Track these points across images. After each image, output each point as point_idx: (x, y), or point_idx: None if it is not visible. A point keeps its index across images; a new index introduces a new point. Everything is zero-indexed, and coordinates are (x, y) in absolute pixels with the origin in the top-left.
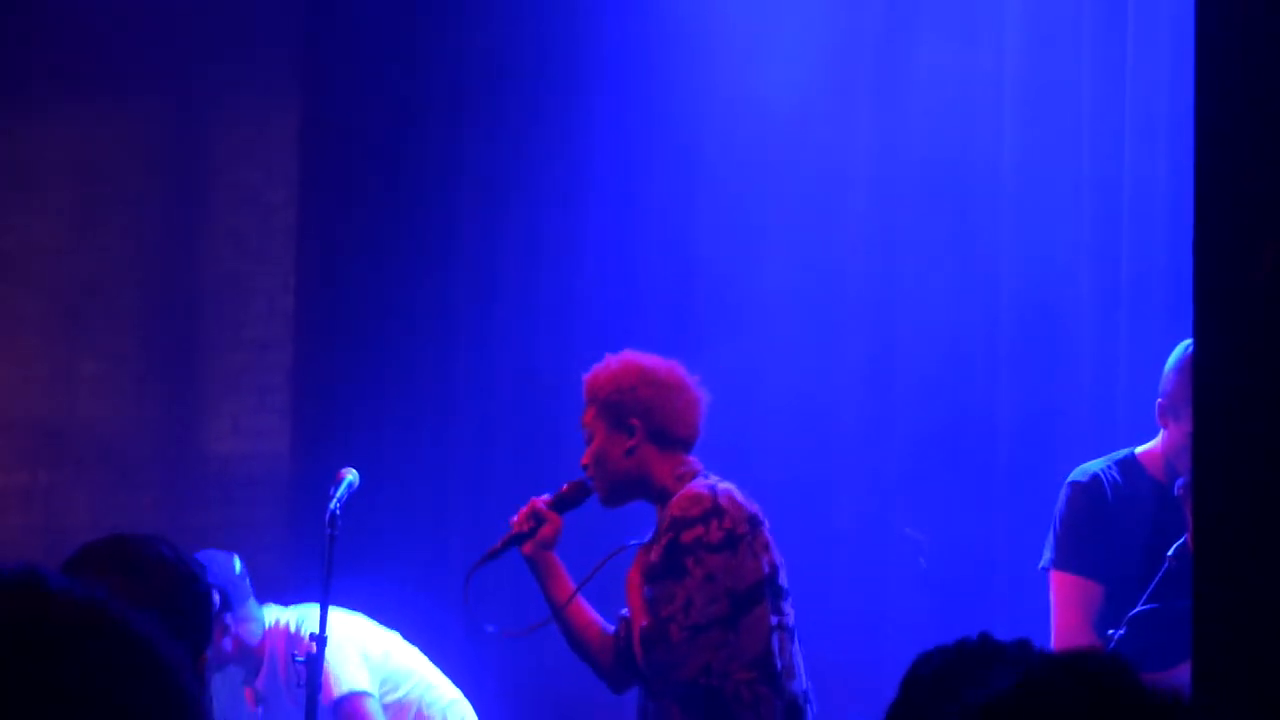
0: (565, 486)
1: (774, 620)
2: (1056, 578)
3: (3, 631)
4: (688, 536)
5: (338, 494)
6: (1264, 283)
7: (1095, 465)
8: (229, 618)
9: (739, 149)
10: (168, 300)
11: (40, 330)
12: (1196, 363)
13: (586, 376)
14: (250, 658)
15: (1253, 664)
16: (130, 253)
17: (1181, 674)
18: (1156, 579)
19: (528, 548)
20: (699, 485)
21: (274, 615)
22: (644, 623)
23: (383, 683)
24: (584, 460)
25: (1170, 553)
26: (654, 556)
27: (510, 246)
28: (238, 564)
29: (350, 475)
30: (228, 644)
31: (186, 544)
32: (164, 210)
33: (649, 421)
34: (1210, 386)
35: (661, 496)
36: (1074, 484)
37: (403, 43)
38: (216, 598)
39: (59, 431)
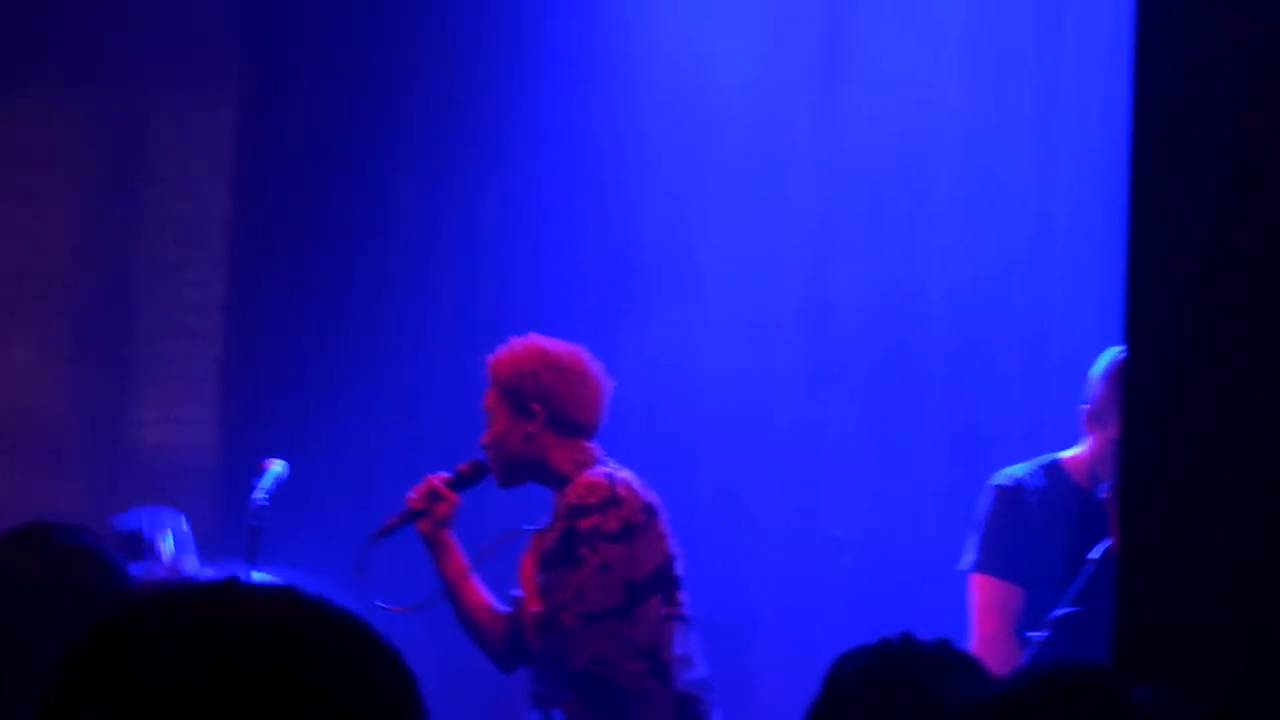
0: (464, 466)
1: (664, 611)
2: (977, 581)
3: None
4: (584, 525)
5: (262, 485)
6: (1194, 289)
7: (1019, 470)
8: (175, 562)
9: (681, 132)
10: (100, 289)
11: None
12: (1126, 368)
13: (490, 358)
14: None
15: (1172, 668)
16: (63, 241)
17: None
18: (1080, 582)
19: (424, 525)
20: (597, 473)
21: None
22: (537, 609)
23: None
24: (484, 441)
25: (1093, 555)
26: (549, 543)
27: (446, 240)
28: (184, 523)
29: (277, 466)
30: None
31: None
32: (97, 198)
33: (549, 407)
34: (1138, 392)
35: (559, 482)
36: (998, 488)
37: (341, 32)
38: (166, 543)
39: None
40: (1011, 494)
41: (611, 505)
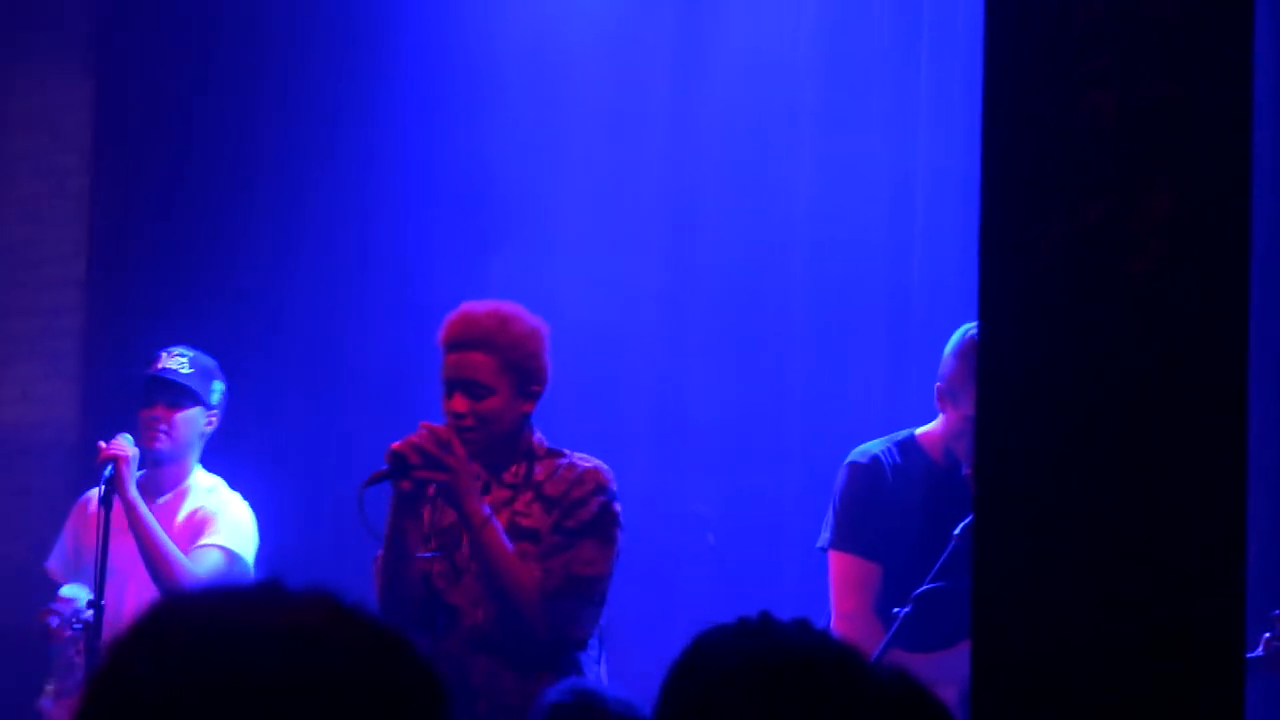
0: (395, 461)
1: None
2: (835, 558)
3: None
4: (617, 508)
5: (106, 475)
6: (1048, 265)
7: (875, 446)
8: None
9: (540, 85)
10: None
11: None
12: (981, 344)
13: (482, 321)
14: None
15: (1030, 644)
16: None
17: (963, 652)
18: (943, 558)
19: (407, 485)
20: (608, 468)
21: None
22: (553, 572)
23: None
24: (467, 409)
25: (956, 531)
26: (587, 512)
27: (308, 209)
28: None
29: (124, 446)
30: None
31: None
32: None
33: (542, 389)
34: (993, 368)
35: (525, 458)
36: (853, 465)
37: (196, 5)
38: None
39: None
40: (867, 471)
41: (618, 501)
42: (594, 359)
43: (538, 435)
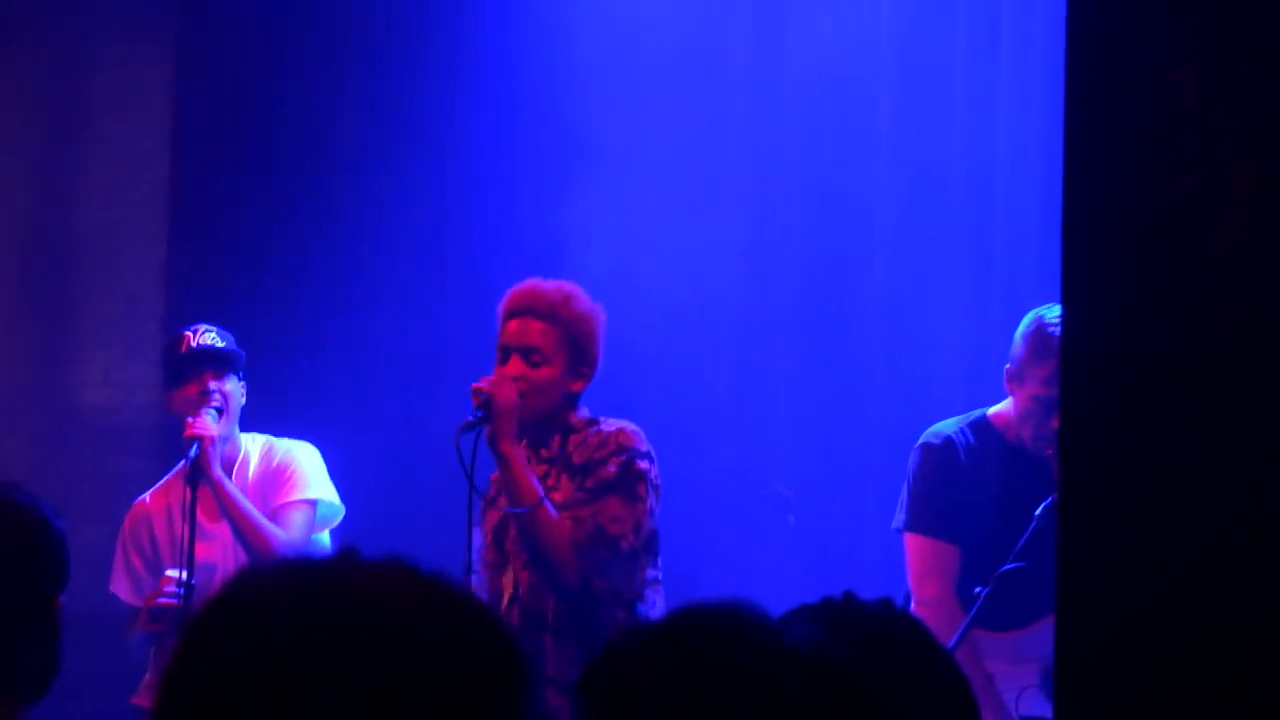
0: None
1: (651, 574)
2: (912, 540)
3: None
4: (642, 466)
5: (192, 455)
6: (1132, 243)
7: (948, 427)
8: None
9: (619, 71)
10: (40, 249)
11: None
12: (1064, 324)
13: (548, 294)
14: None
15: (1115, 621)
16: (2, 200)
17: (1044, 630)
18: (1024, 538)
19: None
20: (637, 428)
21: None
22: (582, 522)
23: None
24: (521, 374)
25: (1038, 512)
26: (606, 472)
27: (386, 191)
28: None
29: (209, 422)
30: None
31: (52, 494)
32: (36, 159)
33: (592, 372)
34: (1078, 346)
35: (563, 431)
36: (926, 445)
37: None
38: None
39: None
40: (940, 452)
41: (654, 462)
42: (675, 343)
43: (580, 412)
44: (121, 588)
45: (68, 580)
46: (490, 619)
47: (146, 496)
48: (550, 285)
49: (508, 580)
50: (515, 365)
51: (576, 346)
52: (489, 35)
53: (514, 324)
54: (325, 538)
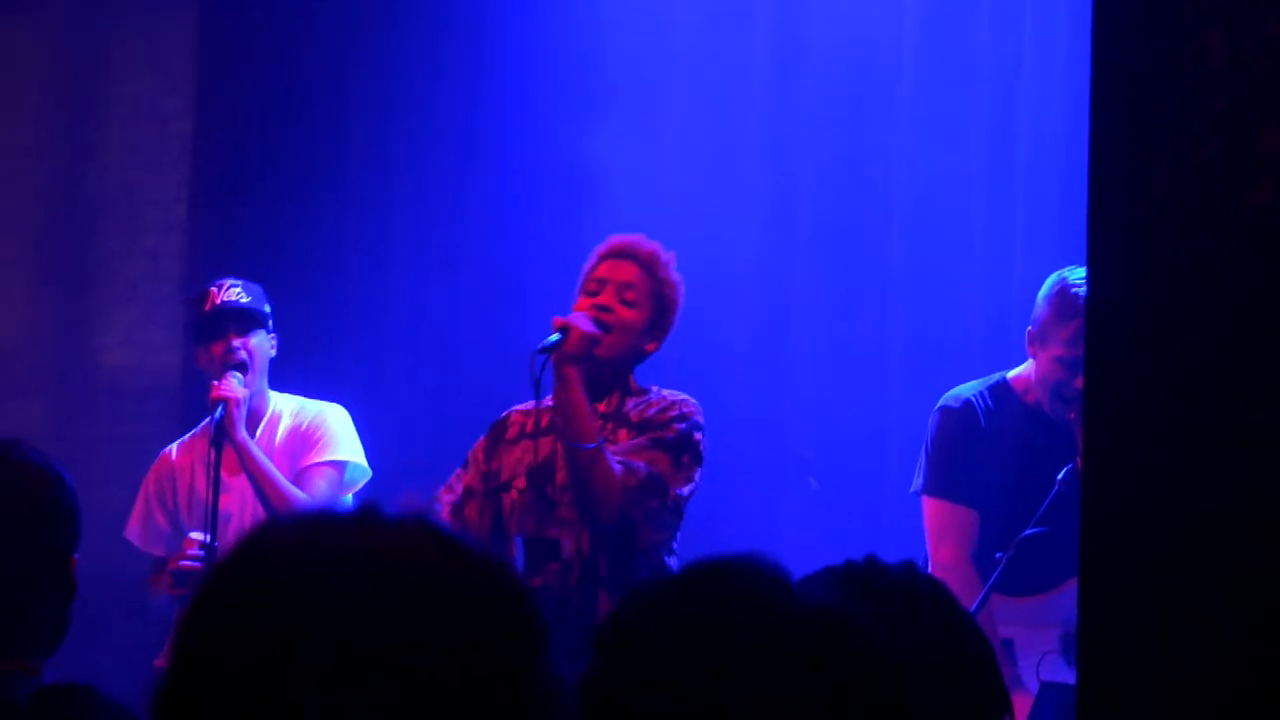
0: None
1: (672, 546)
2: (930, 504)
3: None
4: (698, 437)
5: (217, 416)
6: (1157, 205)
7: (967, 390)
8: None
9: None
10: (62, 210)
11: None
12: (1090, 283)
13: (651, 247)
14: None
15: (1138, 586)
16: (25, 162)
17: (1064, 595)
18: (1046, 502)
19: (555, 355)
20: (697, 402)
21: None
22: (635, 470)
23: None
24: (608, 310)
25: (1060, 477)
26: (666, 433)
27: (409, 155)
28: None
29: (234, 384)
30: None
31: (74, 455)
32: (60, 119)
33: (663, 338)
34: (1102, 309)
35: (622, 389)
36: (944, 409)
37: None
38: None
39: None
40: (959, 415)
41: (704, 435)
42: (696, 306)
43: (635, 376)
44: (135, 534)
45: (80, 536)
46: (508, 577)
47: (173, 449)
48: (652, 242)
49: (568, 538)
50: (609, 296)
51: (661, 306)
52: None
53: (611, 263)
54: (349, 499)
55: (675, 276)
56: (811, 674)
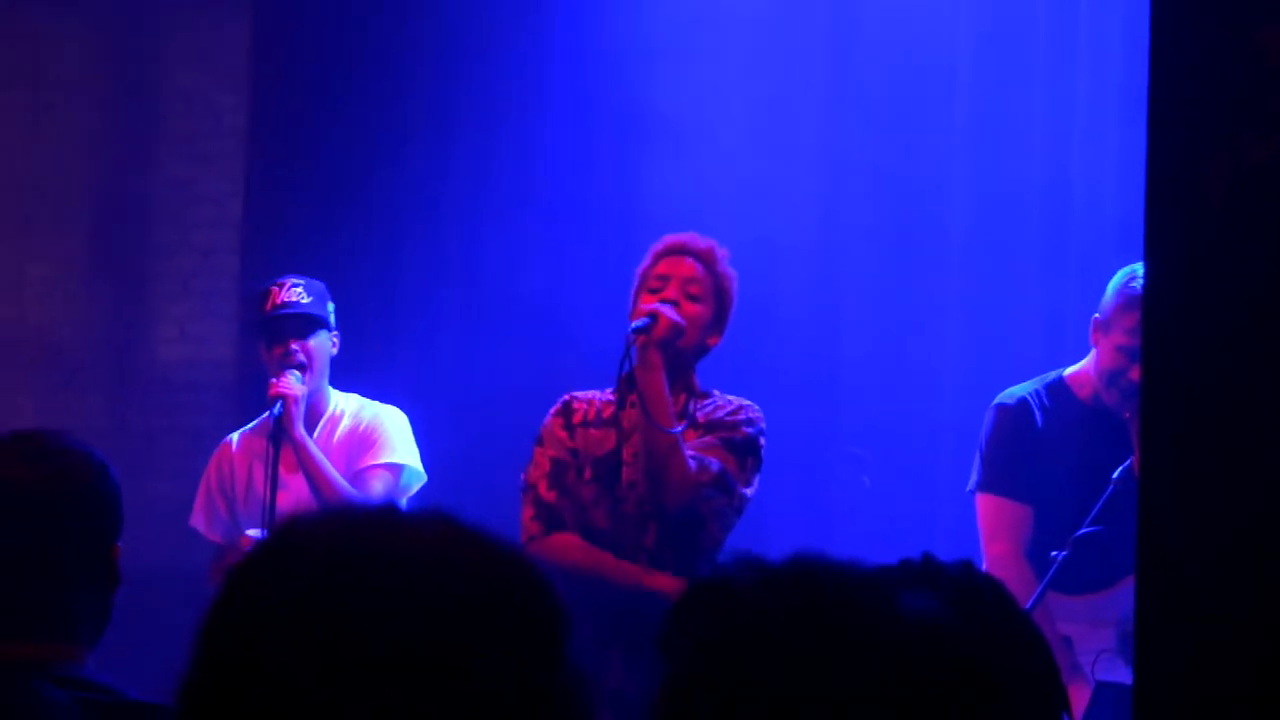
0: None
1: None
2: (983, 500)
3: None
4: (762, 442)
5: (275, 413)
6: (1216, 206)
7: (1022, 389)
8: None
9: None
10: (117, 204)
11: None
12: (1147, 284)
13: (706, 243)
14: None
15: (1197, 584)
16: (80, 157)
17: (1121, 593)
18: (1101, 501)
19: (641, 339)
20: (751, 402)
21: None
22: (706, 466)
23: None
24: (675, 305)
25: (1115, 475)
26: (734, 435)
27: (461, 150)
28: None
29: (293, 381)
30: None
31: (130, 448)
32: (114, 114)
33: (723, 330)
34: (1160, 310)
35: (688, 390)
36: (1000, 406)
37: None
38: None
39: (6, 334)
40: (1014, 412)
41: (764, 440)
42: (751, 305)
43: (697, 377)
44: (200, 521)
45: (122, 525)
46: (533, 571)
47: (234, 439)
48: (707, 238)
49: (632, 533)
50: (673, 290)
51: (721, 299)
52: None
53: (671, 260)
54: (402, 503)
55: (731, 271)
56: (916, 683)
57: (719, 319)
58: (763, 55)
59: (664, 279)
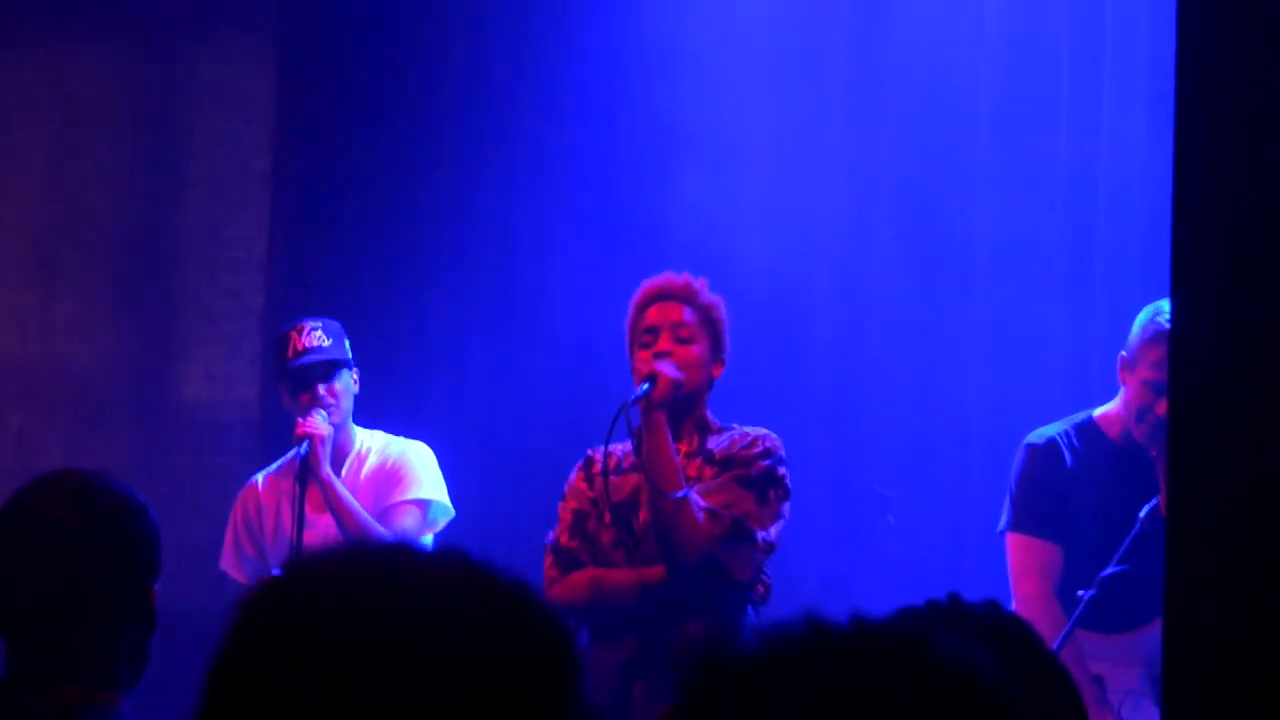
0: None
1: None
2: (1013, 540)
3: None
4: (782, 471)
5: (302, 453)
6: (1244, 233)
7: (1052, 429)
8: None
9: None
10: (143, 245)
11: (16, 273)
12: (1173, 323)
13: (683, 281)
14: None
15: (1223, 625)
16: (106, 197)
17: (1150, 634)
18: (1128, 540)
19: (641, 404)
20: (770, 432)
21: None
22: (720, 516)
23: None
24: (680, 356)
25: (1142, 514)
26: (750, 470)
27: (487, 192)
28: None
29: (319, 421)
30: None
31: (156, 489)
32: (140, 154)
33: (724, 357)
34: (1186, 342)
35: (701, 427)
36: (1030, 446)
37: None
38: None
39: (32, 374)
40: (1044, 452)
41: (787, 469)
42: (774, 340)
43: (710, 414)
44: (230, 564)
45: (161, 567)
46: (543, 610)
47: (259, 479)
48: (681, 275)
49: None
50: (665, 341)
51: (714, 330)
52: (591, 28)
53: (655, 308)
54: (429, 539)
55: (713, 298)
56: None
57: (715, 350)
58: (789, 70)
59: (653, 330)
